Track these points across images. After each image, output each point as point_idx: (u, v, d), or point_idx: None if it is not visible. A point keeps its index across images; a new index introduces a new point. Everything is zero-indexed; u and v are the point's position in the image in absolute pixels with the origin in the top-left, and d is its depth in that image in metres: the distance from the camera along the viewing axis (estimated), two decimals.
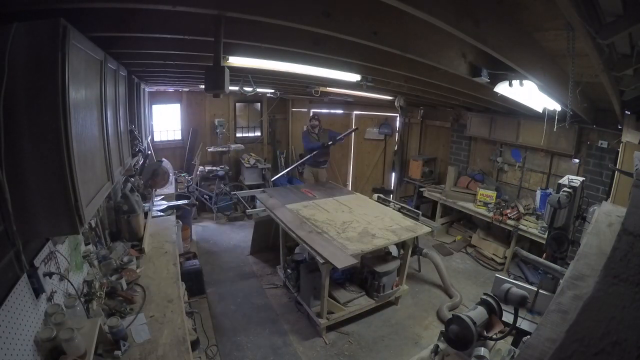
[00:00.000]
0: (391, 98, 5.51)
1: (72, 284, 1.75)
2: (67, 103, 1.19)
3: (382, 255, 3.71)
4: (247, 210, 5.37)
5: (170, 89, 6.36)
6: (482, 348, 1.64)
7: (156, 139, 6.45)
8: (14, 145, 1.14)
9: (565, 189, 2.52)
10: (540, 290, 2.38)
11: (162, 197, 4.54)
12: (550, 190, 4.29)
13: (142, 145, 3.77)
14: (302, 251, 3.85)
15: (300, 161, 6.23)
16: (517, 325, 1.87)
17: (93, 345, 1.53)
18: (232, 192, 6.28)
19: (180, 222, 4.17)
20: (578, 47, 1.57)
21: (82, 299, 1.84)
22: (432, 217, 5.57)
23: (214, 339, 3.23)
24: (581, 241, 1.83)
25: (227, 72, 1.86)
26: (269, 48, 2.14)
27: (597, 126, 3.89)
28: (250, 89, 4.21)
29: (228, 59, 2.49)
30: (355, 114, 7.53)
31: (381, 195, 4.95)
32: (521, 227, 4.31)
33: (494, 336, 1.79)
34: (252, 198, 5.94)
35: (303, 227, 3.56)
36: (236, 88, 3.99)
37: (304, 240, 3.28)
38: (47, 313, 1.48)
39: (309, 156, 5.74)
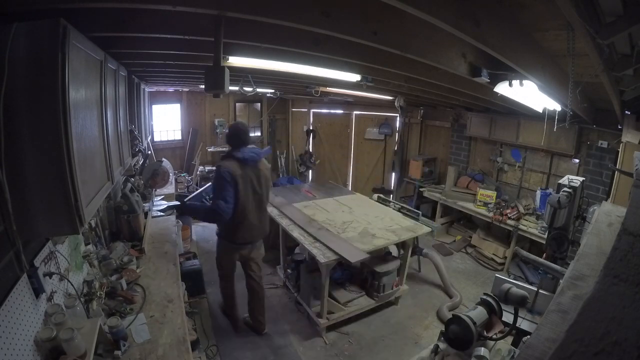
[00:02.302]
0: (391, 98, 5.51)
1: (72, 284, 1.75)
2: (67, 103, 1.19)
3: (382, 255, 3.71)
4: None
5: (170, 89, 6.37)
6: (482, 348, 1.64)
7: (156, 139, 6.46)
8: (14, 145, 1.14)
9: (565, 189, 2.52)
10: (540, 290, 2.39)
11: (162, 197, 4.54)
12: (550, 190, 4.29)
13: (142, 145, 3.77)
14: (302, 251, 3.85)
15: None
16: (517, 325, 1.87)
17: (93, 345, 1.52)
18: None
19: (180, 222, 4.16)
20: (578, 47, 1.57)
21: (82, 299, 1.84)
22: (432, 217, 5.57)
23: (214, 339, 3.23)
24: (581, 241, 1.83)
25: (227, 72, 1.86)
26: (269, 48, 2.13)
27: (597, 126, 3.89)
28: (250, 89, 4.22)
29: (228, 59, 2.49)
30: (355, 114, 7.53)
31: (381, 195, 4.95)
32: (521, 227, 4.31)
33: (494, 336, 1.78)
34: None
35: (312, 224, 3.60)
36: (236, 88, 3.99)
37: (315, 237, 3.32)
38: (47, 313, 1.48)
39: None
